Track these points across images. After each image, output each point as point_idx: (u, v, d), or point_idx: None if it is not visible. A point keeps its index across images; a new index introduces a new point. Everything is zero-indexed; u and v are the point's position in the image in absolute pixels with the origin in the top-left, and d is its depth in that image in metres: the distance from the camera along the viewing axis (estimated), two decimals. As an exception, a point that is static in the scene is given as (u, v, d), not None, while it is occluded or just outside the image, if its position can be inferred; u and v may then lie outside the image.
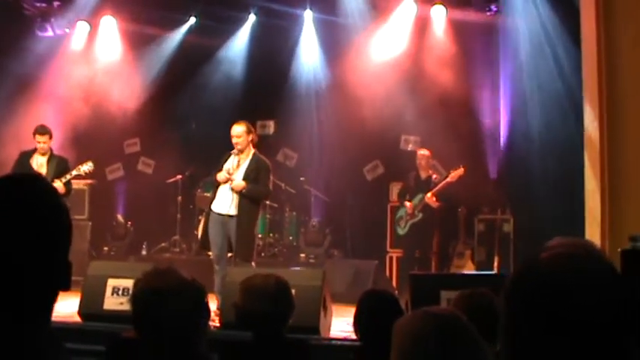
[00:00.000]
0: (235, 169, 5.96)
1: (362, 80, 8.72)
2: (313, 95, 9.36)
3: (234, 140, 5.92)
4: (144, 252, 9.12)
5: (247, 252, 5.86)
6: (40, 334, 1.19)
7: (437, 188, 7.79)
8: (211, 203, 5.98)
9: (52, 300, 1.24)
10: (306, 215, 9.26)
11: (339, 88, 9.03)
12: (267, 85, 9.36)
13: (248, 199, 5.87)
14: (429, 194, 7.78)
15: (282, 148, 9.63)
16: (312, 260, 8.81)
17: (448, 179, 7.74)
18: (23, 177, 1.31)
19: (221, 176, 5.92)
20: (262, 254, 8.41)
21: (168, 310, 1.98)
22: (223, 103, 9.41)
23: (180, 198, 9.17)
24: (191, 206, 9.13)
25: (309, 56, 9.64)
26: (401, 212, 8.11)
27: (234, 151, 5.98)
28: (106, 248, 9.27)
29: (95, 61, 9.44)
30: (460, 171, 7.69)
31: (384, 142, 8.91)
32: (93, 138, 9.00)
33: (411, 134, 9.15)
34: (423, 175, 8.03)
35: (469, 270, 7.98)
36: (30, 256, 1.20)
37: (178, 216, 9.13)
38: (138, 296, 2.01)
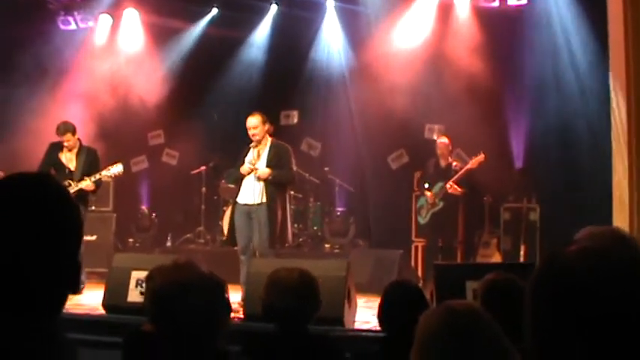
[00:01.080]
0: (257, 159, 6.04)
1: (386, 69, 8.70)
2: (337, 84, 9.34)
3: (250, 132, 6.00)
4: (169, 244, 9.19)
5: (282, 235, 5.95)
6: (45, 337, 1.17)
7: (458, 175, 7.76)
8: (236, 196, 6.06)
9: (61, 303, 1.22)
10: (331, 205, 9.26)
11: (363, 76, 9.02)
12: (290, 75, 9.38)
13: (275, 185, 5.94)
14: (450, 182, 7.73)
15: (305, 137, 9.64)
16: (336, 250, 8.83)
17: (468, 166, 7.72)
18: (33, 176, 1.29)
19: (244, 168, 6.00)
20: (286, 245, 8.32)
21: (185, 305, 1.96)
22: (246, 93, 9.45)
23: (204, 189, 9.19)
24: (215, 197, 9.16)
25: (331, 45, 9.65)
26: (421, 201, 8.12)
27: (253, 143, 6.05)
28: (131, 240, 9.34)
29: (118, 53, 9.50)
30: (480, 157, 7.65)
31: (409, 131, 8.88)
32: (117, 130, 9.07)
33: (436, 123, 9.12)
34: (443, 162, 8.00)
35: (495, 260, 7.99)
36: (37, 257, 1.18)
37: (202, 207, 9.16)
38: (155, 290, 1.98)
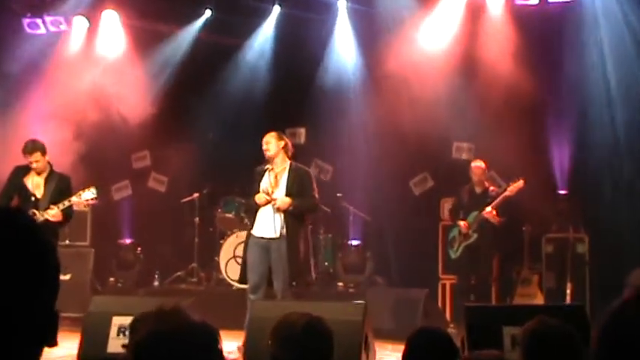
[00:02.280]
0: (274, 186, 6.15)
1: (406, 79, 8.73)
2: (350, 97, 9.40)
3: (263, 147, 6.18)
4: (156, 283, 9.15)
5: (303, 272, 6.12)
6: None
7: (496, 202, 7.74)
8: (251, 227, 6.19)
9: (35, 357, 1.20)
10: (344, 237, 9.23)
11: (380, 88, 9.03)
12: (296, 88, 9.45)
13: (295, 216, 6.08)
14: (487, 208, 7.72)
15: (314, 159, 9.57)
16: (351, 289, 8.79)
17: (506, 193, 7.70)
18: None
19: (260, 198, 6.09)
20: (293, 283, 8.29)
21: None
22: (245, 109, 9.47)
23: (197, 219, 9.22)
24: (210, 229, 9.20)
25: (343, 53, 9.66)
26: (454, 232, 8.08)
27: (269, 165, 6.18)
28: (111, 279, 9.31)
29: (96, 62, 9.47)
30: (519, 184, 7.64)
31: (434, 151, 8.94)
32: (95, 152, 9.05)
33: (465, 141, 9.15)
34: (479, 189, 8.00)
35: (537, 300, 8.01)
36: (6, 307, 1.15)
37: (196, 240, 9.18)
38: (137, 342, 1.94)
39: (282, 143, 6.21)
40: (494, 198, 7.75)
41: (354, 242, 9.15)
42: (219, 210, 8.93)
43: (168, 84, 9.54)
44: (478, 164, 8.00)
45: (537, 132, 8.46)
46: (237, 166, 9.21)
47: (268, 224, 6.08)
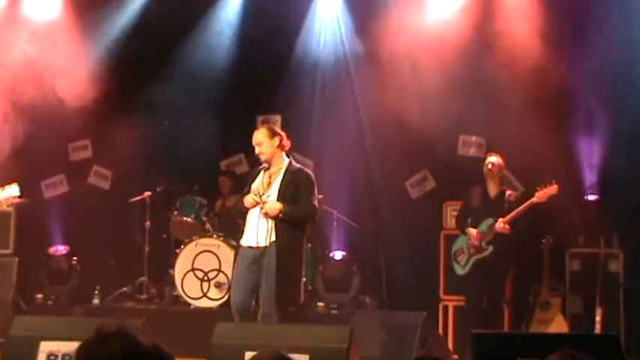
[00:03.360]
0: (266, 188, 6.29)
1: (404, 59, 8.73)
2: (336, 80, 9.44)
3: (256, 151, 6.33)
4: (96, 301, 9.00)
5: (292, 292, 6.19)
6: None
7: (517, 211, 7.62)
8: (240, 236, 6.36)
9: None
10: (326, 247, 9.15)
11: (373, 69, 9.02)
12: (270, 67, 9.46)
13: (288, 224, 6.20)
14: (502, 219, 7.62)
15: (291, 152, 9.42)
16: (334, 311, 8.77)
17: (534, 200, 7.56)
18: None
19: (248, 200, 6.25)
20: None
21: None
22: (208, 91, 9.52)
23: (148, 223, 9.16)
24: (164, 235, 9.23)
25: (329, 26, 9.63)
26: (460, 243, 8.03)
27: (264, 165, 6.35)
28: (40, 296, 9.19)
29: (23, 28, 9.26)
30: (552, 189, 7.53)
31: (436, 146, 8.92)
32: (22, 139, 8.95)
33: (473, 134, 9.13)
34: (493, 191, 7.91)
35: (559, 327, 7.97)
36: None
37: (146, 249, 9.12)
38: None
39: (277, 141, 6.33)
40: (513, 205, 7.66)
41: (338, 254, 9.11)
42: (176, 212, 8.93)
43: (114, 59, 9.47)
44: (494, 159, 7.89)
45: (562, 126, 8.47)
46: (198, 159, 9.37)
47: (255, 231, 6.20)
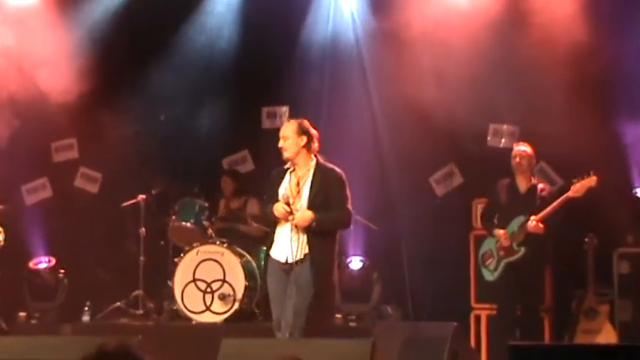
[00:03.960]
0: (295, 194, 6.32)
1: (426, 41, 8.70)
2: (349, 66, 9.45)
3: (280, 144, 6.38)
4: (86, 317, 8.95)
5: (326, 308, 6.37)
6: None
7: (551, 207, 7.53)
8: (269, 247, 6.45)
9: None
10: (343, 253, 9.01)
11: (390, 53, 9.00)
12: (276, 54, 9.48)
13: (320, 234, 6.27)
14: (535, 217, 7.53)
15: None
16: (352, 323, 8.76)
17: (570, 193, 7.50)
18: None
19: (279, 210, 6.28)
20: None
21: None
22: (208, 81, 9.52)
23: (143, 230, 9.12)
24: (162, 242, 9.25)
25: (341, 5, 9.61)
26: (488, 245, 7.97)
27: (288, 165, 6.39)
28: (22, 314, 9.15)
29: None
30: (590, 181, 7.45)
31: (463, 137, 8.91)
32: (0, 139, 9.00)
33: (505, 122, 9.10)
34: (523, 185, 7.84)
35: (607, 338, 7.96)
36: None
37: (142, 259, 9.06)
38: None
39: (304, 140, 6.35)
40: (546, 201, 7.58)
41: (356, 260, 9.10)
42: (174, 217, 8.90)
43: (102, 47, 9.39)
44: (522, 149, 7.84)
45: (607, 112, 8.43)
46: (198, 157, 9.39)
47: (289, 245, 6.26)
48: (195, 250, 8.44)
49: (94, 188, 9.97)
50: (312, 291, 6.16)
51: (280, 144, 6.34)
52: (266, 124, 9.72)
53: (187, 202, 8.85)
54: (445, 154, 9.22)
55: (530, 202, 7.67)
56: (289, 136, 6.32)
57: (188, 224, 8.78)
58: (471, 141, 8.94)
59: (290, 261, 6.25)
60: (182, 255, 8.52)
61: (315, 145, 6.41)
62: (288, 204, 6.24)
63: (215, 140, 9.52)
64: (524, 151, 7.80)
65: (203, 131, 9.28)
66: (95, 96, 9.27)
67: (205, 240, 8.56)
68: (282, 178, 6.39)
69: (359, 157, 8.93)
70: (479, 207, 8.60)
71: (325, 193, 6.28)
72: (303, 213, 6.21)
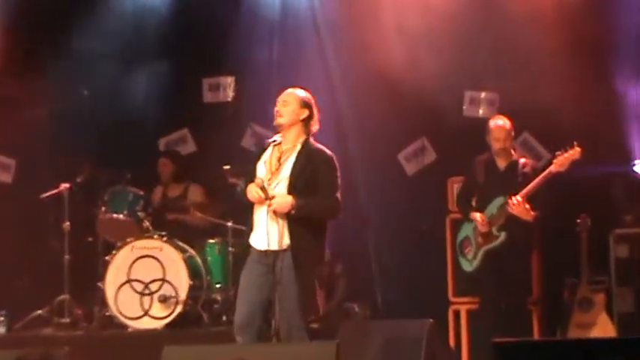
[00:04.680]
0: (275, 172, 6.26)
1: None
2: (303, 29, 9.51)
3: (276, 107, 6.32)
4: (1, 329, 8.81)
5: (312, 303, 6.26)
6: None
7: (533, 184, 7.50)
8: (248, 234, 6.42)
9: None
10: None
11: (352, 12, 9.00)
12: (216, 16, 9.50)
13: (304, 222, 6.20)
14: (516, 197, 7.48)
15: (248, 123, 9.53)
16: (313, 324, 8.19)
17: (552, 168, 7.46)
18: None
19: (252, 192, 6.20)
20: (224, 317, 8.42)
21: None
22: (139, 50, 9.47)
23: (67, 224, 8.95)
24: (90, 238, 9.17)
25: None
26: (465, 231, 7.99)
27: (275, 138, 6.35)
28: None
29: None
30: (573, 153, 7.42)
31: (435, 106, 8.86)
32: None
33: (483, 89, 9.08)
34: (502, 161, 7.83)
35: (604, 331, 7.98)
36: None
37: (66, 257, 8.89)
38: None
39: (305, 113, 6.28)
40: (529, 177, 7.54)
41: None
42: (103, 209, 8.78)
43: (13, 9, 9.28)
44: (499, 122, 7.81)
45: (604, 76, 8.46)
46: (129, 138, 9.31)
47: (266, 231, 6.17)
48: (129, 246, 8.38)
49: (7, 177, 9.86)
50: (296, 289, 6.11)
51: (277, 107, 6.26)
52: (208, 97, 9.68)
53: (119, 191, 8.77)
54: (416, 127, 9.22)
55: (511, 181, 7.64)
56: (291, 103, 6.26)
57: (120, 216, 8.68)
58: (445, 111, 8.93)
59: (267, 248, 6.19)
60: (114, 252, 8.47)
61: (315, 127, 6.36)
62: (263, 189, 6.14)
63: (149, 118, 9.44)
64: (502, 126, 7.74)
65: (135, 107, 9.17)
66: (5, 69, 9.19)
67: (141, 234, 8.46)
68: (265, 150, 6.34)
69: (318, 134, 8.93)
70: (455, 187, 8.60)
71: (310, 174, 6.20)
72: (282, 198, 6.13)
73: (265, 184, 6.11)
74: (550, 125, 8.20)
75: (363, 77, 8.94)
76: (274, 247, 6.16)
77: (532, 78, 8.30)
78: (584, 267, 8.06)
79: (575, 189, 7.95)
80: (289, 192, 6.15)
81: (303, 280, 6.15)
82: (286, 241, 6.15)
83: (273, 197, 6.12)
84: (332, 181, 6.29)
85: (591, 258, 8.09)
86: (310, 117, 6.34)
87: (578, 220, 8.05)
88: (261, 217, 6.22)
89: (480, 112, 8.99)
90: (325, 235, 6.42)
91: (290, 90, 6.39)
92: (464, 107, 9.11)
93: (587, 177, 7.90)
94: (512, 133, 7.83)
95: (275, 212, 6.14)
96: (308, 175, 6.21)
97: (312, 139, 6.35)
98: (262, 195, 6.11)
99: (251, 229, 6.35)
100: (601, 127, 8.14)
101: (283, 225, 6.17)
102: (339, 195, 6.33)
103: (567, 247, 8.18)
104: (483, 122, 8.41)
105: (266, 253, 6.17)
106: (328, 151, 6.37)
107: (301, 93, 6.37)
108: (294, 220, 6.15)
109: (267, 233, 6.17)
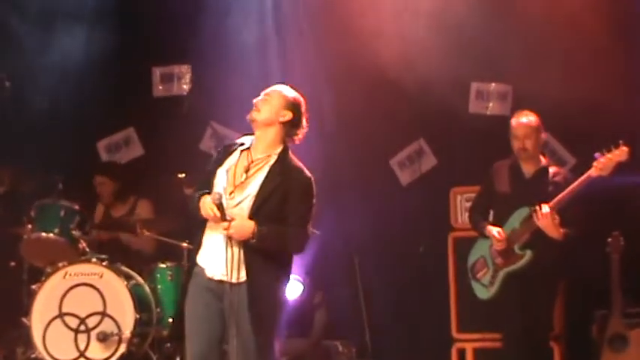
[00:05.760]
0: (239, 185, 6.12)
1: None
2: (274, 11, 9.52)
3: (255, 100, 6.23)
4: None
5: (266, 340, 6.11)
6: None
7: (568, 191, 7.36)
8: (196, 252, 6.30)
9: None
10: None
11: None
12: None
13: (265, 254, 6.09)
14: (545, 207, 7.33)
15: (209, 122, 9.54)
16: None
17: (592, 172, 7.30)
18: None
19: (206, 208, 6.05)
20: (177, 358, 8.29)
21: None
22: (74, 31, 9.38)
23: None
24: (12, 263, 9.12)
25: None
26: (479, 250, 7.86)
27: (245, 141, 6.23)
28: None
29: None
30: (619, 154, 7.26)
31: (435, 102, 8.93)
32: None
33: (494, 80, 9.13)
34: (529, 167, 7.73)
35: None
36: None
37: None
38: None
39: (287, 115, 6.12)
40: (560, 188, 7.43)
41: (292, 279, 8.37)
42: (29, 227, 8.70)
43: None
44: (525, 119, 7.67)
45: (638, 59, 8.53)
46: (62, 140, 9.28)
47: (221, 257, 6.06)
48: (61, 272, 8.29)
49: None
50: (252, 335, 5.99)
51: (256, 99, 6.15)
52: (159, 90, 9.64)
53: (48, 205, 8.67)
54: (411, 128, 9.30)
55: (540, 191, 7.51)
56: (273, 99, 6.12)
57: (50, 235, 8.55)
58: (448, 108, 8.97)
59: (221, 279, 6.07)
60: (43, 279, 8.38)
61: (297, 135, 6.21)
62: (220, 207, 5.95)
63: (87, 115, 9.36)
64: (528, 123, 7.62)
65: (69, 103, 9.10)
66: None
67: (76, 257, 8.35)
68: (228, 156, 6.20)
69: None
70: (460, 198, 8.62)
71: (281, 197, 6.04)
72: (242, 221, 5.98)
73: (225, 200, 5.94)
74: (575, 125, 8.24)
75: (349, 69, 9.03)
76: (227, 278, 6.06)
77: (552, 67, 8.35)
78: (616, 296, 8.02)
79: (604, 201, 7.83)
80: (252, 214, 6.00)
81: (259, 324, 6.03)
82: (242, 274, 6.04)
83: (231, 220, 5.98)
84: (305, 211, 6.19)
85: (624, 285, 8.02)
86: (294, 123, 6.19)
87: (609, 239, 8.01)
88: (214, 238, 6.12)
89: (490, 107, 9.03)
90: (289, 271, 6.33)
91: (277, 85, 6.28)
92: (470, 102, 9.12)
93: (619, 187, 7.68)
94: (542, 134, 7.68)
95: (231, 237, 6.03)
96: (279, 197, 6.07)
97: (291, 152, 6.23)
98: (218, 214, 5.97)
99: (199, 248, 6.23)
100: (637, 127, 8.08)
101: (240, 254, 6.05)
102: (309, 227, 6.23)
103: (596, 271, 8.17)
104: (493, 120, 8.52)
105: (218, 282, 6.09)
106: (307, 172, 6.23)
107: (290, 92, 6.24)
108: (252, 250, 6.04)
109: (221, 260, 6.08)
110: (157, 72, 9.63)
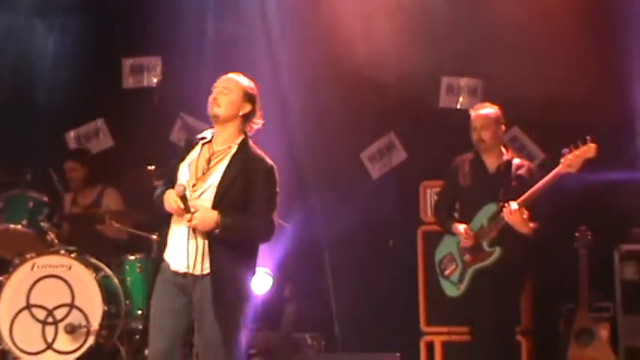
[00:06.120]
0: (201, 177, 6.11)
1: None
2: (243, 3, 9.53)
3: (213, 94, 6.16)
4: None
5: (231, 333, 6.06)
6: None
7: (533, 190, 7.32)
8: (163, 249, 6.26)
9: None
10: None
11: None
12: None
13: (228, 244, 6.05)
14: (513, 204, 7.31)
15: (179, 113, 9.54)
16: (256, 358, 8.68)
17: (561, 168, 7.25)
18: None
19: (170, 201, 6.04)
20: (146, 351, 8.07)
21: None
22: (42, 17, 9.42)
23: None
24: None
25: None
26: (446, 247, 7.82)
27: (205, 134, 6.22)
28: None
29: None
30: (587, 150, 7.20)
31: (405, 95, 8.97)
32: None
33: (464, 74, 9.13)
34: (492, 161, 7.68)
35: None
36: None
37: None
38: None
39: (247, 108, 6.13)
40: (524, 181, 7.42)
41: (260, 272, 8.79)
42: None
43: None
44: (485, 111, 7.62)
45: (610, 58, 8.54)
46: (30, 130, 9.29)
47: (185, 250, 6.03)
48: (29, 264, 8.24)
49: None
50: (217, 328, 5.96)
51: (214, 94, 6.09)
52: (129, 81, 9.63)
53: (16, 197, 8.65)
54: (382, 122, 9.31)
55: (504, 185, 7.46)
56: (232, 91, 6.08)
57: (18, 227, 8.54)
58: (418, 101, 8.99)
59: (184, 271, 6.03)
60: (10, 270, 8.33)
61: (255, 125, 6.22)
62: (184, 199, 5.97)
63: (56, 106, 9.34)
64: (487, 115, 7.56)
65: (38, 91, 9.12)
66: None
67: (44, 249, 8.30)
68: (191, 150, 6.19)
69: (260, 129, 8.90)
70: (429, 193, 8.62)
71: (243, 186, 6.02)
72: (205, 212, 5.95)
73: (188, 192, 5.93)
74: (545, 120, 8.24)
75: (320, 63, 9.00)
76: (191, 270, 6.03)
77: (523, 62, 8.34)
78: (583, 291, 8.03)
79: (572, 197, 7.83)
80: (215, 205, 6.01)
81: (224, 316, 6.02)
82: (206, 266, 6.02)
83: (195, 211, 5.96)
84: (269, 198, 6.16)
85: (592, 280, 8.04)
86: (252, 113, 6.21)
87: (577, 234, 8.03)
88: (179, 231, 6.10)
89: (460, 101, 9.02)
90: (255, 262, 6.30)
91: (232, 75, 6.22)
92: (440, 96, 9.11)
93: (586, 183, 7.71)
94: (502, 126, 7.63)
95: (195, 228, 6.02)
96: (241, 186, 6.05)
97: (251, 142, 6.23)
98: (182, 206, 5.95)
99: (165, 244, 6.21)
100: (606, 124, 8.09)
101: (204, 245, 6.04)
102: (274, 215, 6.24)
103: (563, 266, 8.19)
104: (463, 114, 8.29)
105: (183, 276, 6.07)
106: (269, 160, 6.22)
107: (245, 81, 6.22)
108: (217, 240, 6.02)
109: (185, 253, 6.06)
110: (127, 63, 9.61)
